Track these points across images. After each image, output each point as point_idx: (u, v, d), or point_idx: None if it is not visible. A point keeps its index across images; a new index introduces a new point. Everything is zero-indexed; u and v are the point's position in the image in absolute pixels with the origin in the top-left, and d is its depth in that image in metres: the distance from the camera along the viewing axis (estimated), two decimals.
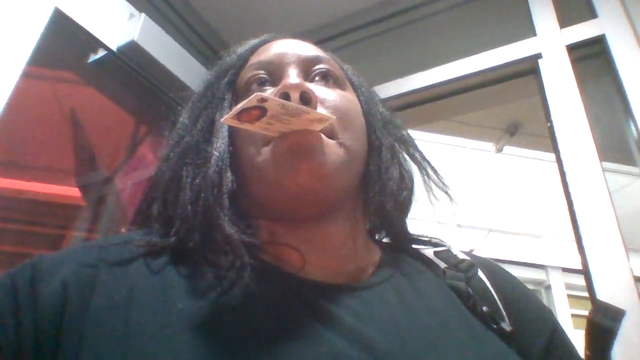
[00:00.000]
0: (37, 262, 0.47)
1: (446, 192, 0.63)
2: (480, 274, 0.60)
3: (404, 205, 0.61)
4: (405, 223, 0.64)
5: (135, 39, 1.34)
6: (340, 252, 0.55)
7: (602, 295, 1.05)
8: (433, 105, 1.59)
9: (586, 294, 1.11)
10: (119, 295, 0.44)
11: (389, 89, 1.57)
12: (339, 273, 0.54)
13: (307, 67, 0.59)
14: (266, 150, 0.52)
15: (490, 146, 2.99)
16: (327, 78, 0.59)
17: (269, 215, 0.55)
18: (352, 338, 0.44)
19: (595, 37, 1.34)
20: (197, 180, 0.53)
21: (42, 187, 2.09)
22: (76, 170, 1.95)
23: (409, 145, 0.65)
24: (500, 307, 0.57)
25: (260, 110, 0.46)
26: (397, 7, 1.82)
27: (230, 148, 0.55)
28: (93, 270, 0.46)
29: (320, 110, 0.52)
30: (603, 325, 0.58)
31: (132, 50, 1.36)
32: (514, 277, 0.65)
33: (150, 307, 0.44)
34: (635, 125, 1.19)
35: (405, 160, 0.64)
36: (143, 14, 1.40)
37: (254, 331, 0.43)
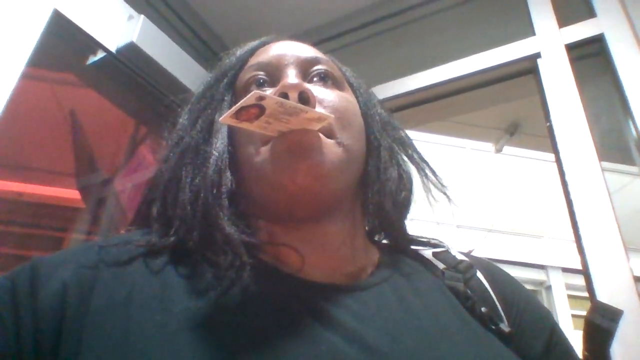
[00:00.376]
0: (36, 264, 0.47)
1: (444, 193, 0.63)
2: (479, 274, 0.60)
3: (402, 206, 0.61)
4: (404, 224, 0.64)
5: (134, 40, 1.34)
6: (339, 252, 0.55)
7: (602, 295, 1.05)
8: (432, 106, 1.60)
9: (587, 295, 1.11)
10: (118, 296, 0.44)
11: (387, 90, 1.58)
12: (338, 273, 0.54)
13: (305, 68, 0.59)
14: (265, 150, 0.52)
15: (489, 146, 2.99)
16: (325, 79, 0.59)
17: (267, 216, 0.55)
18: (351, 338, 0.44)
19: (594, 36, 1.34)
20: (197, 180, 0.53)
21: (42, 190, 2.09)
22: (76, 172, 1.95)
23: (407, 146, 0.65)
24: (499, 308, 0.57)
25: (258, 109, 0.46)
26: (395, 7, 1.82)
27: (230, 148, 0.55)
28: (92, 271, 0.46)
29: (319, 110, 0.52)
30: (601, 325, 0.58)
31: (131, 51, 1.36)
32: (512, 278, 0.65)
33: (149, 307, 0.44)
34: (635, 124, 1.19)
35: (403, 161, 0.64)
36: (142, 16, 1.40)
37: (253, 331, 0.43)
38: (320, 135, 0.51)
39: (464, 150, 3.24)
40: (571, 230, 1.17)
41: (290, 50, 0.60)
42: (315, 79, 0.59)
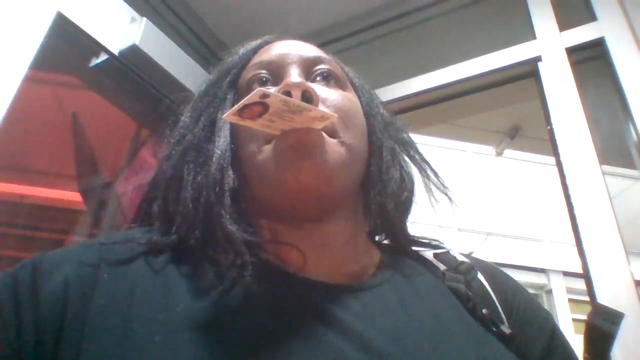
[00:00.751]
0: (38, 261, 0.47)
1: (446, 194, 0.63)
2: (480, 276, 0.60)
3: (404, 207, 0.61)
4: (405, 225, 0.64)
5: (136, 42, 1.35)
6: (340, 252, 0.55)
7: (603, 299, 1.05)
8: (433, 109, 1.60)
9: (587, 299, 1.11)
10: (120, 294, 0.44)
11: (389, 92, 1.58)
12: (340, 273, 0.54)
13: (308, 67, 0.59)
14: (267, 149, 0.52)
15: (490, 149, 2.99)
16: (328, 78, 0.59)
17: (269, 214, 0.55)
18: (352, 339, 0.44)
19: (595, 39, 1.34)
20: (199, 179, 0.53)
21: (43, 192, 2.09)
22: (77, 174, 1.95)
23: (409, 147, 0.66)
24: (500, 309, 0.57)
25: (262, 107, 0.46)
26: (396, 10, 1.82)
27: (232, 146, 0.55)
28: (94, 269, 0.47)
29: (322, 109, 0.52)
30: (602, 328, 0.58)
31: (134, 54, 1.37)
32: (513, 280, 0.65)
33: (151, 306, 0.44)
34: (635, 128, 1.19)
35: (405, 162, 0.64)
36: (144, 18, 1.41)
37: (255, 331, 0.44)
38: (323, 134, 0.51)
39: (464, 153, 3.24)
40: (572, 234, 1.17)
41: (293, 49, 0.60)
42: (318, 78, 0.59)
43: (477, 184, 3.55)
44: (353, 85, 0.65)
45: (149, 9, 1.60)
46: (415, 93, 1.57)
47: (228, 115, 0.47)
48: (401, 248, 0.64)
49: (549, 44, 1.40)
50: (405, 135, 0.67)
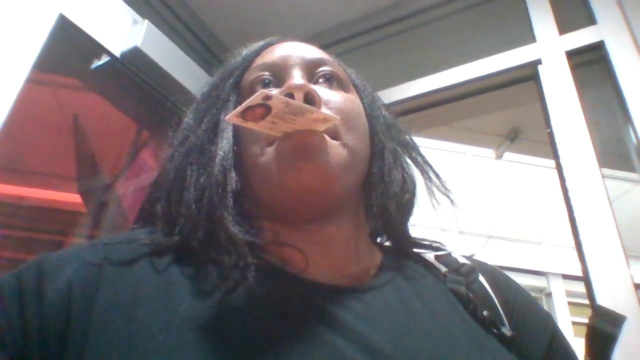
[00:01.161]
0: (42, 262, 0.47)
1: (448, 197, 0.63)
2: (481, 278, 0.60)
3: (405, 208, 0.62)
4: (407, 226, 0.64)
5: (138, 45, 1.35)
6: (342, 253, 0.56)
7: (603, 302, 1.05)
8: (433, 112, 1.60)
9: (587, 302, 1.11)
10: (123, 294, 0.44)
11: (389, 95, 1.58)
12: (341, 275, 0.54)
13: (311, 69, 0.59)
14: (270, 150, 0.52)
15: (490, 152, 2.99)
16: (330, 80, 0.59)
17: (272, 216, 0.55)
18: (355, 340, 0.45)
19: (595, 43, 1.34)
20: (202, 180, 0.54)
21: (43, 193, 2.10)
22: (77, 176, 1.95)
23: (411, 149, 0.66)
24: (501, 311, 0.57)
25: (264, 109, 0.46)
26: (397, 13, 1.83)
27: (235, 148, 0.56)
28: (97, 268, 0.47)
29: (324, 111, 0.53)
30: (603, 330, 0.58)
31: (135, 56, 1.37)
32: (514, 282, 0.65)
33: (154, 306, 0.44)
34: (635, 131, 1.19)
35: (407, 164, 0.64)
36: (146, 21, 1.41)
37: (258, 332, 0.44)
38: (325, 136, 0.51)
39: (464, 156, 3.25)
40: (571, 237, 1.17)
41: (295, 51, 0.60)
42: (320, 80, 0.59)
43: (476, 187, 3.55)
44: (355, 87, 0.65)
45: (151, 11, 1.61)
46: (415, 96, 1.57)
47: (231, 117, 0.47)
48: (402, 250, 0.64)
49: (549, 47, 1.40)
50: (407, 137, 0.67)
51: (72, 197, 1.96)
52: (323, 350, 0.43)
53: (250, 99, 0.45)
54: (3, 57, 1.06)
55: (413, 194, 0.63)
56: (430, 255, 0.64)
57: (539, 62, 1.40)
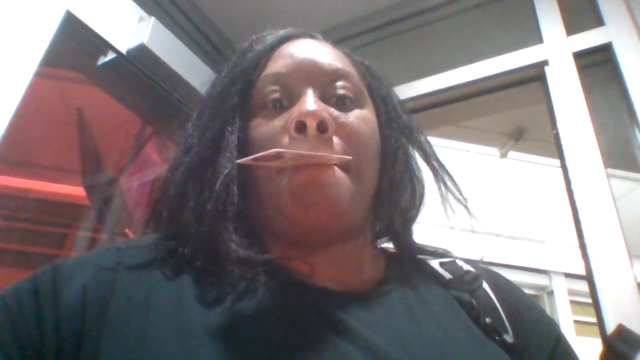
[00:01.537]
0: (57, 266, 0.48)
1: (465, 206, 0.61)
2: (485, 285, 0.60)
3: (412, 221, 0.62)
4: (411, 234, 0.63)
5: (144, 42, 1.35)
6: (347, 264, 0.56)
7: (606, 302, 1.06)
8: (439, 111, 1.60)
9: (589, 300, 1.11)
10: (136, 298, 0.45)
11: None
12: (346, 282, 0.54)
13: (325, 84, 0.56)
14: (278, 179, 0.50)
15: (494, 151, 2.99)
16: (344, 100, 0.56)
17: (277, 235, 0.55)
18: (362, 347, 0.45)
19: (602, 44, 1.34)
20: (204, 195, 0.52)
21: (48, 186, 2.11)
22: (82, 170, 1.96)
23: (425, 152, 0.64)
24: (504, 318, 0.57)
25: (276, 157, 0.46)
26: (403, 12, 1.82)
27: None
28: (112, 273, 0.47)
29: (336, 140, 0.52)
30: (620, 350, 0.58)
31: (142, 53, 1.37)
32: (518, 289, 0.65)
33: (167, 311, 0.44)
34: None
35: (418, 168, 0.63)
36: (153, 18, 1.42)
37: (268, 337, 0.44)
38: (336, 169, 0.50)
39: (468, 154, 3.24)
40: (574, 236, 1.17)
41: (308, 59, 0.56)
42: (333, 99, 0.55)
43: (481, 186, 3.55)
44: (371, 96, 0.61)
45: (157, 9, 1.61)
46: (422, 95, 1.57)
47: (242, 160, 0.47)
48: (406, 257, 0.63)
49: (556, 48, 1.40)
50: (423, 139, 0.64)
51: (77, 190, 1.97)
52: (332, 356, 0.43)
53: (263, 153, 0.45)
54: (11, 53, 1.07)
55: (420, 205, 0.62)
56: (434, 262, 0.64)
57: (545, 63, 1.40)
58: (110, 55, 1.38)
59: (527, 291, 0.66)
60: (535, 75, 1.44)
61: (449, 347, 0.49)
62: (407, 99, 1.57)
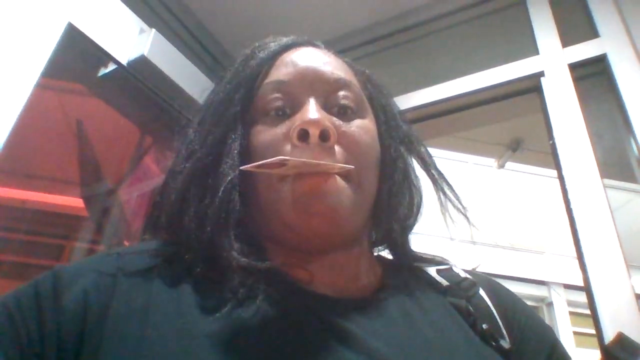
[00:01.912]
0: (58, 272, 0.48)
1: (465, 216, 0.62)
2: (482, 292, 0.61)
3: (409, 228, 0.62)
4: (408, 242, 0.64)
5: (145, 53, 1.37)
6: (346, 271, 0.56)
7: (604, 312, 1.06)
8: (436, 122, 1.61)
9: (589, 312, 1.11)
10: (136, 303, 0.45)
11: None
12: (344, 289, 0.55)
13: (327, 93, 0.56)
14: (279, 187, 0.51)
15: (492, 162, 3.00)
16: (346, 110, 0.56)
17: (277, 241, 0.55)
18: (362, 352, 0.45)
19: (597, 56, 1.36)
20: (205, 202, 0.52)
21: (46, 197, 2.10)
22: (80, 181, 1.96)
23: (425, 162, 0.64)
24: (501, 325, 0.57)
25: (280, 164, 0.47)
26: (400, 24, 1.84)
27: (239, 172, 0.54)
28: (112, 278, 0.48)
29: (337, 149, 0.52)
30: (618, 357, 0.58)
31: (142, 64, 1.39)
32: (514, 295, 0.65)
33: (166, 316, 0.44)
34: (636, 142, 1.20)
35: (417, 177, 0.64)
36: (153, 30, 1.43)
37: (268, 342, 0.44)
38: (337, 178, 0.50)
39: (466, 165, 3.25)
40: (573, 247, 1.18)
41: (311, 68, 0.57)
42: (335, 108, 0.56)
43: (478, 196, 3.55)
44: (372, 106, 0.62)
45: (158, 20, 1.63)
46: (418, 106, 1.58)
47: (246, 167, 0.47)
48: (404, 264, 0.64)
49: (552, 60, 1.42)
50: (422, 149, 0.65)
51: (75, 202, 1.97)
52: None
53: (267, 161, 0.46)
54: (13, 64, 1.08)
55: (418, 213, 0.63)
56: (431, 269, 0.64)
57: (541, 74, 1.41)
58: (111, 67, 1.39)
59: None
60: (531, 87, 1.45)
61: (447, 352, 0.50)
62: (404, 109, 1.58)
